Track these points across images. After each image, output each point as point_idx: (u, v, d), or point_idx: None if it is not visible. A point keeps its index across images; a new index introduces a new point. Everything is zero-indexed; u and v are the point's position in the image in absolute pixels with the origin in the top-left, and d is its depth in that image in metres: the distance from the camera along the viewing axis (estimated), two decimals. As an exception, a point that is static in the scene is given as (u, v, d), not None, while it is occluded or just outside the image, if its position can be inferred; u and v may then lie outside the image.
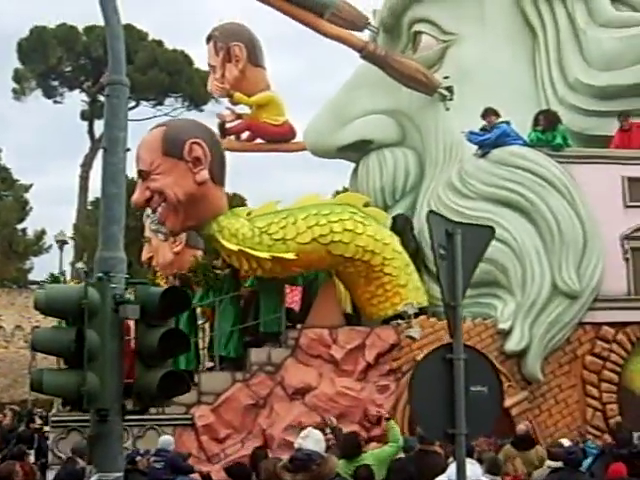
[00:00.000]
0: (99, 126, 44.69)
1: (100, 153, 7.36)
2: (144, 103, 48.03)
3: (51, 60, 46.14)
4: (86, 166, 46.84)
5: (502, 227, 12.77)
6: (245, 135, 17.42)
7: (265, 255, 12.13)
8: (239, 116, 17.31)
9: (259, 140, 17.37)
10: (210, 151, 11.83)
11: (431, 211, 7.56)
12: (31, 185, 45.87)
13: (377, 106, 15.15)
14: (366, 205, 13.42)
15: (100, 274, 6.56)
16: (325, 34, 14.52)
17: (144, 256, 16.82)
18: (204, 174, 11.72)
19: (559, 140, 13.26)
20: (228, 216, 12.29)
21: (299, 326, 13.04)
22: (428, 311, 13.26)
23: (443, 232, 6.30)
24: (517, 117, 13.66)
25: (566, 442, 10.29)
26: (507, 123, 13.32)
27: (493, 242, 12.37)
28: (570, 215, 12.78)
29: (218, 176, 12.15)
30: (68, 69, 47.40)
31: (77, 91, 47.99)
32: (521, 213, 12.90)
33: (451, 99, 14.55)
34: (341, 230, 12.52)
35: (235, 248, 12.08)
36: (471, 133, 13.37)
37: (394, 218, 13.70)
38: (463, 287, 6.21)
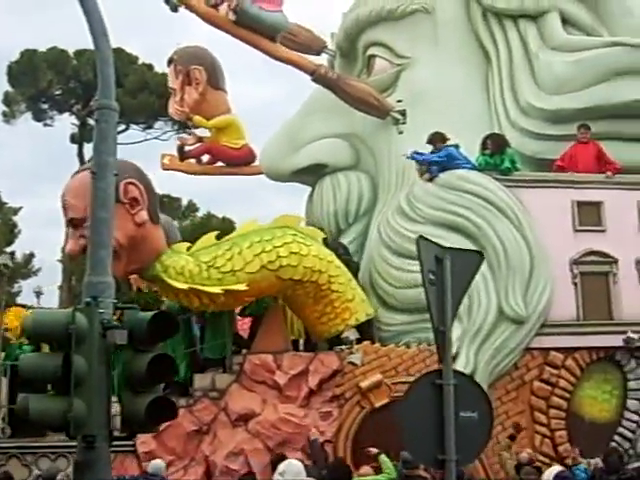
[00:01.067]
0: (88, 149, 44.69)
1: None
2: (134, 126, 47.98)
3: (41, 83, 46.22)
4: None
5: (448, 251, 12.68)
6: (206, 158, 17.37)
7: (217, 290, 11.94)
8: (200, 139, 17.26)
9: (220, 163, 17.32)
10: (146, 190, 11.56)
11: (420, 236, 7.52)
12: (20, 208, 45.89)
13: (332, 130, 15.11)
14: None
15: (88, 299, 6.52)
16: (277, 57, 14.52)
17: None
18: (143, 215, 11.33)
19: (507, 164, 13.18)
20: (170, 254, 12.02)
21: (244, 351, 12.91)
22: (381, 336, 13.20)
23: (432, 257, 6.30)
24: (470, 140, 13.60)
25: (557, 467, 10.25)
26: (456, 147, 13.25)
27: (439, 267, 12.49)
28: (517, 239, 12.67)
29: (155, 215, 11.87)
30: (58, 92, 47.44)
31: (67, 114, 47.98)
32: (468, 237, 12.78)
33: (404, 122, 14.53)
34: (287, 254, 12.41)
35: (185, 287, 11.84)
36: (415, 153, 13.27)
37: (325, 242, 13.65)
38: (452, 312, 6.25)
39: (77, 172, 11.69)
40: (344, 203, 14.65)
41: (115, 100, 7.13)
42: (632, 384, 13.13)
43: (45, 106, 47.93)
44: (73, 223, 11.28)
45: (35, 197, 55.19)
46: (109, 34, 7.21)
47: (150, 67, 48.20)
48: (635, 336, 12.79)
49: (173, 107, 16.88)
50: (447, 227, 12.87)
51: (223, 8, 14.03)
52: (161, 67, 48.63)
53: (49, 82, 46.72)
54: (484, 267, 12.45)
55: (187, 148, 16.97)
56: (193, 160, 17.30)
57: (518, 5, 14.50)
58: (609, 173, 13.49)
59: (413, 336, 12.91)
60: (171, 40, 14.31)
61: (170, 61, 16.88)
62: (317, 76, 14.28)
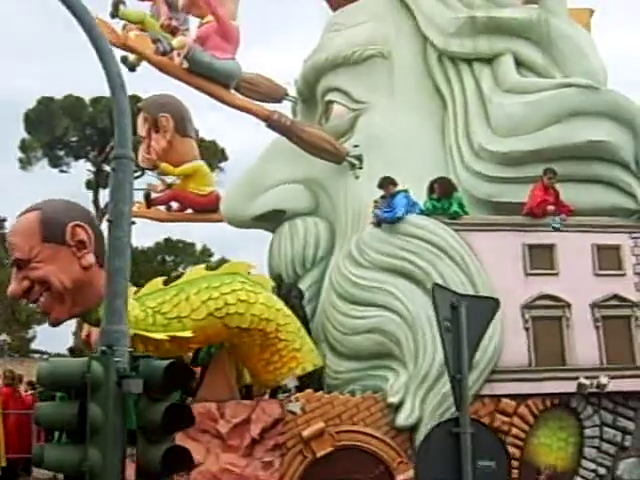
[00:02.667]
0: (104, 195, 45.25)
1: (104, 222, 7.51)
2: (149, 172, 48.46)
3: (57, 130, 47.02)
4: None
5: (395, 297, 12.63)
6: (176, 205, 17.48)
7: (162, 336, 11.88)
8: (169, 186, 17.40)
9: (190, 210, 17.43)
10: (94, 233, 11.56)
11: (435, 284, 7.52)
12: (36, 255, 46.26)
13: (292, 175, 15.10)
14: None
15: (104, 347, 6.63)
16: (230, 104, 14.62)
17: (82, 334, 16.75)
18: (89, 258, 11.28)
19: (455, 208, 13.05)
20: None
21: (189, 400, 12.80)
22: (330, 384, 13.06)
23: (448, 305, 6.33)
24: (426, 185, 13.53)
25: None
26: (405, 192, 13.15)
27: (386, 313, 12.44)
28: (464, 284, 12.47)
29: (101, 258, 11.90)
30: (74, 139, 48.21)
31: (82, 161, 48.72)
32: (415, 283, 12.64)
33: (360, 167, 14.48)
34: (235, 301, 12.37)
35: (130, 332, 11.86)
36: (382, 212, 13.16)
37: (279, 285, 13.60)
38: (469, 359, 6.17)
39: (23, 212, 11.60)
40: (301, 249, 14.59)
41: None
42: (588, 431, 12.82)
43: (61, 153, 48.76)
44: (17, 264, 11.28)
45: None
46: (126, 85, 7.43)
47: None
48: (587, 382, 12.49)
49: (141, 155, 17.03)
50: (394, 272, 12.76)
51: (177, 58, 14.14)
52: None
53: (65, 129, 47.54)
54: (430, 312, 12.28)
55: (154, 195, 17.07)
56: (162, 207, 17.42)
57: (472, 48, 14.48)
58: (563, 215, 13.28)
59: (360, 384, 12.76)
60: (186, 89, 14.55)
61: (138, 110, 17.07)
62: (271, 122, 14.32)
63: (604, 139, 13.49)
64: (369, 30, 15.02)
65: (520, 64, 14.43)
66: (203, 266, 13.41)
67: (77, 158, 48.60)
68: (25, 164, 47.81)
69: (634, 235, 13.48)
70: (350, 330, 12.86)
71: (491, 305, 6.72)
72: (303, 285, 14.41)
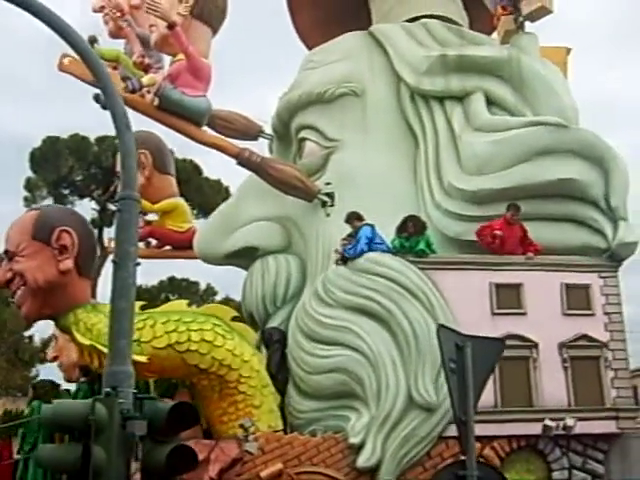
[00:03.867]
0: (108, 234, 45.35)
1: (109, 260, 7.58)
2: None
3: (62, 169, 47.27)
4: (94, 273, 47.36)
5: (358, 336, 12.48)
6: (154, 242, 17.46)
7: None
8: (149, 223, 17.39)
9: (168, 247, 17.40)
10: (79, 241, 11.80)
11: (440, 325, 7.44)
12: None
13: (265, 213, 15.06)
14: (237, 319, 13.20)
15: (108, 389, 6.59)
16: (201, 142, 14.66)
17: (49, 355, 16.70)
18: (68, 263, 11.68)
19: (422, 246, 12.94)
20: (88, 310, 12.11)
21: (150, 439, 12.65)
22: (293, 423, 12.90)
23: (453, 345, 6.28)
24: (397, 223, 13.43)
25: None
26: (371, 227, 13.07)
27: (349, 352, 12.30)
28: (428, 323, 12.32)
29: (85, 268, 12.08)
30: (79, 178, 48.40)
31: (87, 199, 48.86)
32: (379, 321, 12.50)
33: (332, 205, 14.42)
34: (199, 340, 12.27)
35: (87, 343, 11.88)
36: (345, 251, 13.09)
37: (262, 331, 13.50)
38: (474, 401, 6.05)
39: (29, 210, 12.57)
40: (272, 287, 14.48)
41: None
42: (557, 474, 12.57)
43: (66, 191, 48.90)
44: (7, 255, 11.92)
45: (56, 280, 55.63)
46: (132, 125, 7.60)
47: (170, 152, 49.09)
48: (553, 424, 12.28)
49: (118, 192, 17.02)
50: (358, 311, 12.63)
51: (148, 95, 14.21)
52: (181, 153, 49.81)
53: (70, 168, 47.78)
54: (394, 351, 12.26)
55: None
56: (141, 244, 17.37)
57: (443, 87, 14.47)
58: (530, 254, 13.15)
59: (323, 424, 12.58)
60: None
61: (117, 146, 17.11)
62: (241, 160, 14.33)
63: (573, 177, 13.38)
64: (343, 68, 15.06)
65: (491, 102, 14.41)
66: (186, 301, 13.34)
67: (82, 197, 48.74)
68: (30, 202, 47.94)
69: (604, 274, 13.33)
70: (313, 369, 12.71)
71: (496, 346, 6.68)
72: (273, 324, 14.29)
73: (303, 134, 14.97)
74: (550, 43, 16.05)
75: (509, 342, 12.47)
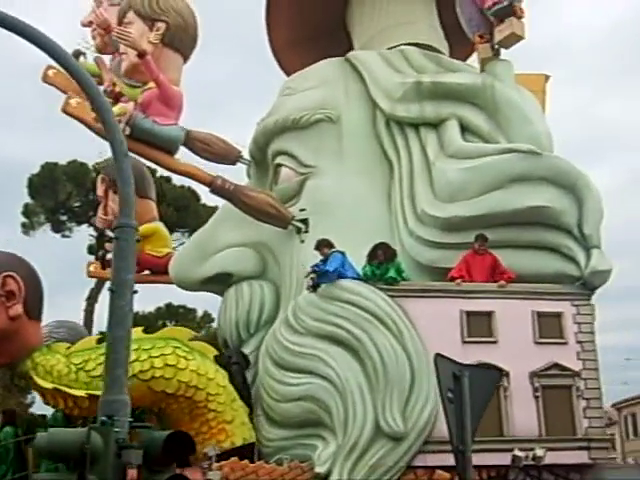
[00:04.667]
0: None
1: (106, 287, 7.55)
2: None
3: (60, 195, 47.24)
4: (91, 300, 47.29)
5: (327, 364, 12.39)
6: (133, 267, 17.37)
7: (81, 393, 11.79)
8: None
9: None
10: (25, 286, 11.65)
11: (438, 354, 7.35)
12: (36, 317, 46.26)
13: (241, 239, 15.03)
14: (196, 338, 13.14)
15: (103, 418, 6.51)
16: (173, 170, 14.71)
17: None
18: (17, 308, 11.56)
19: (392, 274, 12.86)
20: (44, 352, 12.05)
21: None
22: (262, 451, 12.77)
23: (450, 375, 6.22)
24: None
25: None
26: (342, 253, 12.99)
27: (317, 380, 12.17)
28: (396, 351, 12.21)
29: (33, 311, 11.95)
30: (77, 204, 48.41)
31: (85, 226, 48.88)
32: (347, 349, 12.40)
33: (306, 231, 14.38)
34: (162, 365, 12.22)
35: (50, 386, 11.79)
36: (313, 271, 13.01)
37: (221, 353, 13.40)
38: (472, 430, 5.94)
39: None
40: (245, 313, 14.41)
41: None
42: (528, 505, 12.37)
43: (64, 218, 48.88)
44: None
45: (52, 307, 55.33)
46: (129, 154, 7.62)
47: (168, 179, 49.09)
48: (522, 454, 12.09)
49: (97, 217, 17.05)
50: (326, 338, 12.54)
51: (119, 124, 14.09)
52: (179, 180, 49.89)
53: (68, 194, 47.74)
54: (362, 379, 12.13)
55: (109, 256, 16.99)
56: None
57: (418, 113, 14.45)
58: (502, 282, 13.04)
59: (290, 452, 12.45)
60: (187, 155, 14.74)
61: (98, 172, 17.13)
62: (214, 188, 14.32)
63: (546, 205, 13.29)
64: (320, 94, 15.06)
65: (466, 129, 14.37)
66: (141, 328, 13.24)
67: (79, 223, 48.72)
68: (28, 229, 47.96)
69: (576, 302, 13.21)
70: (282, 397, 12.60)
71: (494, 375, 6.61)
72: (247, 349, 14.20)
73: (279, 160, 14.94)
74: (529, 70, 16.09)
75: (479, 371, 12.40)
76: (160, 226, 17.34)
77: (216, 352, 13.30)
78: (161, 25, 14.57)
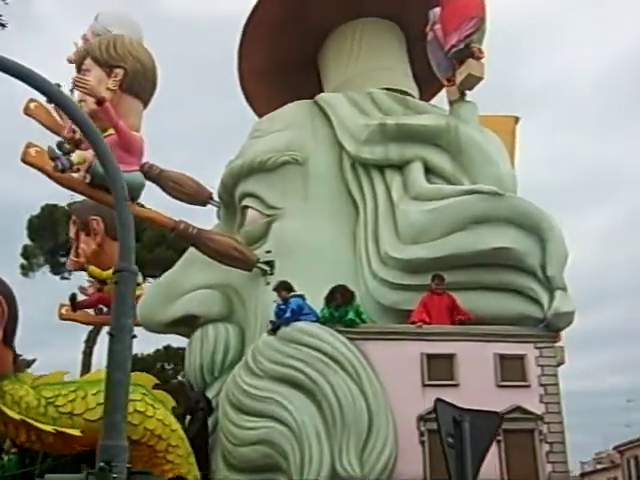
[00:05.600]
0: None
1: (104, 330, 7.53)
2: (150, 280, 48.65)
3: (60, 237, 47.47)
4: (90, 342, 47.19)
5: (284, 408, 12.26)
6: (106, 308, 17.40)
7: (48, 428, 11.60)
8: (100, 290, 17.34)
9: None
10: (8, 309, 11.52)
11: (438, 399, 7.30)
12: (34, 360, 46.18)
13: (208, 280, 14.98)
14: (157, 386, 12.99)
15: (102, 464, 6.47)
16: (136, 216, 14.54)
17: None
18: None
19: (351, 316, 12.78)
20: (13, 381, 11.83)
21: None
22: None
23: (450, 420, 6.20)
24: (336, 291, 13.28)
25: None
26: (301, 297, 12.94)
27: (273, 424, 12.04)
28: (353, 394, 12.09)
29: (10, 337, 11.83)
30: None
31: (84, 267, 49.01)
32: (304, 392, 12.27)
33: (271, 274, 14.32)
34: (131, 411, 12.01)
35: (17, 417, 11.58)
36: (273, 320, 12.97)
37: (189, 397, 13.29)
38: (473, 475, 6.33)
39: None
40: (210, 355, 14.33)
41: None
42: None
43: (63, 259, 49.06)
44: None
45: (50, 348, 55.36)
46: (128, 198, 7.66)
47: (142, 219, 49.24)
48: (482, 500, 11.86)
49: (69, 259, 17.06)
50: (284, 381, 12.42)
51: (80, 172, 14.03)
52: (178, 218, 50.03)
53: (68, 236, 48.03)
54: (318, 423, 12.00)
55: (80, 298, 17.01)
56: (91, 311, 17.34)
57: (383, 155, 14.47)
58: (459, 317, 12.95)
59: (248, 498, 12.27)
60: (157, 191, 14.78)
61: (70, 213, 17.19)
62: (177, 232, 14.32)
63: (508, 246, 13.21)
64: (287, 137, 15.12)
65: (430, 171, 14.37)
66: (103, 369, 13.13)
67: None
68: (27, 270, 48.10)
69: (539, 345, 13.05)
70: (240, 441, 12.46)
71: (494, 420, 6.54)
72: (210, 393, 14.09)
73: (245, 202, 14.96)
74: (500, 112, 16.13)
75: (440, 414, 12.24)
76: (132, 269, 17.31)
77: (174, 403, 13.14)
78: (119, 71, 14.50)
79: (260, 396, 12.46)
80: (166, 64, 15.46)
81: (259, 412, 12.38)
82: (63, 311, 17.49)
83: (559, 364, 14.26)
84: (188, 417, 13.40)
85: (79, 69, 14.68)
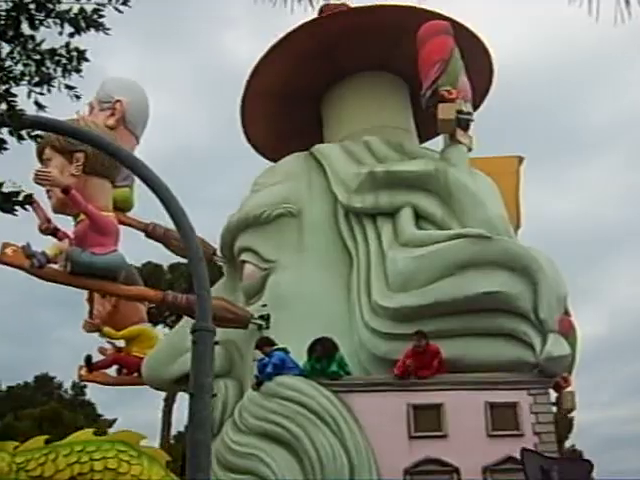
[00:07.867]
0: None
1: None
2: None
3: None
4: (169, 400, 47.69)
5: (265, 464, 12.13)
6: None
7: None
8: (119, 349, 17.52)
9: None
10: None
11: (524, 449, 7.32)
12: (115, 420, 46.95)
13: (210, 337, 14.91)
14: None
15: None
16: (119, 296, 14.85)
17: None
18: None
19: (334, 368, 12.56)
20: None
21: None
22: None
23: (538, 470, 6.33)
24: (329, 344, 13.09)
25: None
26: (285, 351, 12.79)
27: (255, 481, 11.81)
28: (334, 448, 11.83)
29: None
30: (152, 305, 49.31)
31: (161, 326, 49.64)
32: (286, 447, 12.10)
33: (267, 327, 14.22)
34: (102, 468, 12.10)
35: None
36: (257, 374, 12.89)
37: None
38: None
39: None
40: (208, 412, 14.19)
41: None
42: None
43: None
44: None
45: (130, 409, 56.07)
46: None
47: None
48: None
49: (84, 321, 17.30)
50: (266, 437, 12.29)
51: (60, 262, 14.02)
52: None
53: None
54: (299, 478, 11.76)
55: (95, 359, 17.18)
56: (111, 371, 17.50)
57: (373, 203, 14.31)
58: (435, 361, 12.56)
59: None
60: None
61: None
62: (166, 304, 14.42)
63: (498, 290, 12.80)
64: (283, 189, 15.13)
65: (420, 216, 14.10)
66: (92, 430, 13.22)
67: (155, 324, 49.65)
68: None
69: (533, 391, 12.51)
70: (225, 499, 12.30)
71: (585, 467, 6.47)
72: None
73: (243, 256, 14.97)
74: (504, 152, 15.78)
75: (427, 467, 11.99)
76: (147, 327, 17.48)
77: (169, 457, 13.08)
78: (80, 155, 14.27)
79: (243, 452, 12.33)
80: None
81: (242, 469, 12.25)
82: (82, 372, 17.68)
83: (570, 410, 13.67)
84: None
85: (40, 160, 14.56)
